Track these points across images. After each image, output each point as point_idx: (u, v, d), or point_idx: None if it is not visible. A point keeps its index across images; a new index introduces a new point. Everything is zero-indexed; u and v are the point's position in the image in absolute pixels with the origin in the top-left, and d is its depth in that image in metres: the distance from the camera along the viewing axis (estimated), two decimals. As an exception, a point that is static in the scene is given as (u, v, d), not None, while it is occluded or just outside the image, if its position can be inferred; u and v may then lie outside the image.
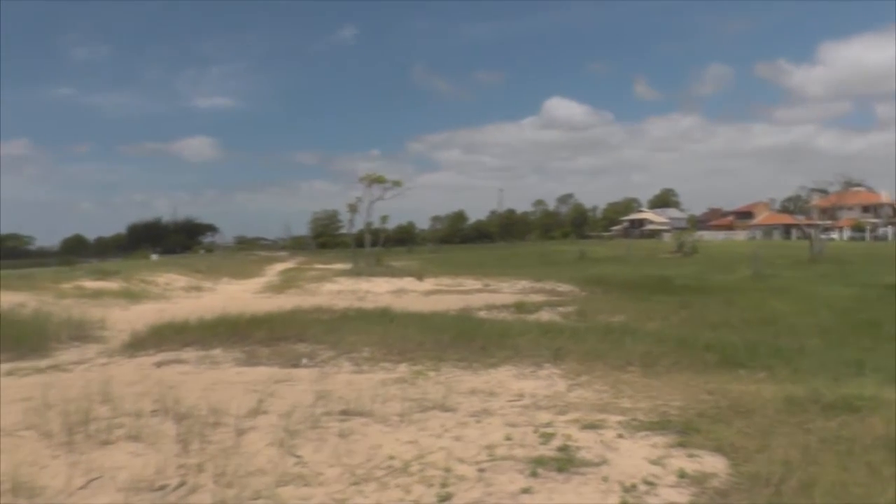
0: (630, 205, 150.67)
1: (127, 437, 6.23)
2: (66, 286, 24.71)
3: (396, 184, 45.24)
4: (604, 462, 5.36)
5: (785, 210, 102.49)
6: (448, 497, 4.75)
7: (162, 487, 5.01)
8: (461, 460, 5.45)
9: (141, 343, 12.07)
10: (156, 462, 5.46)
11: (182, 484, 5.08)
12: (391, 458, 5.55)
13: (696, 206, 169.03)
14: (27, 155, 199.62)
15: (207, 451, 5.81)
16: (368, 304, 18.71)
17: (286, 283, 32.39)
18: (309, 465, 5.43)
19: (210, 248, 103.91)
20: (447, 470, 5.22)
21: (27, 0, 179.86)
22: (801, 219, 77.01)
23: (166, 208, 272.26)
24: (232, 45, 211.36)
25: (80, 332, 14.10)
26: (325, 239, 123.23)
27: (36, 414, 7.08)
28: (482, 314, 16.24)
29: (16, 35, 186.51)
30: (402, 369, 9.36)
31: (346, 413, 6.93)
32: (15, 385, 9.27)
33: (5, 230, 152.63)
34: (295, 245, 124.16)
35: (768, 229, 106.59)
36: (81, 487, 5.07)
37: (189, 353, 10.94)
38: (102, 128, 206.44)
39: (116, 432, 6.36)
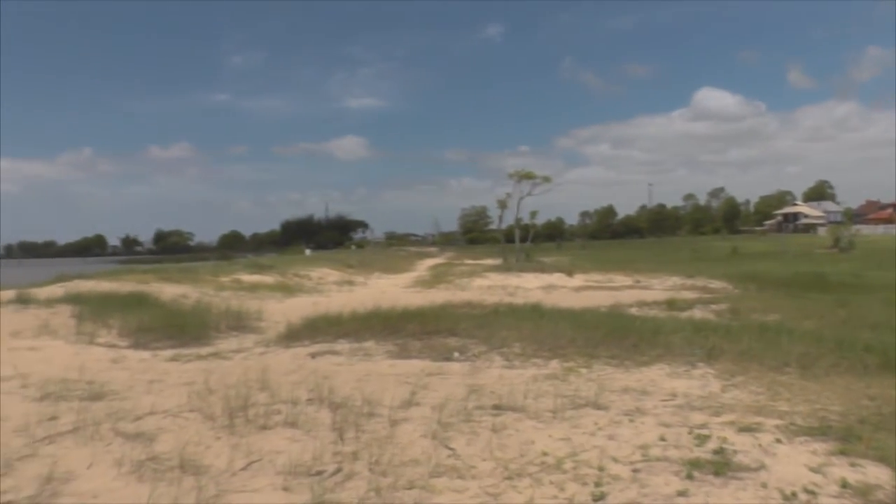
0: (783, 198, 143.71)
1: (284, 424, 6.48)
2: (225, 279, 26.15)
3: (546, 179, 45.15)
4: (762, 467, 5.10)
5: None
6: (602, 496, 4.64)
7: (319, 473, 5.16)
8: (615, 459, 5.33)
9: (296, 334, 12.57)
10: (312, 448, 5.64)
11: (338, 470, 5.21)
12: (544, 454, 5.49)
13: (852, 198, 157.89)
14: (188, 157, 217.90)
15: (362, 440, 5.95)
16: (518, 300, 18.66)
17: (436, 278, 32.89)
18: (462, 458, 5.44)
19: (361, 244, 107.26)
20: (601, 469, 5.12)
21: (187, 14, 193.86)
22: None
23: (319, 206, 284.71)
24: (380, 47, 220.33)
25: (239, 323, 14.88)
26: (473, 235, 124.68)
27: (199, 397, 7.54)
28: (633, 311, 15.89)
29: (177, 47, 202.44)
30: (554, 365, 9.29)
31: (498, 408, 6.93)
32: (178, 370, 9.89)
33: (168, 227, 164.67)
34: (444, 241, 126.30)
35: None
36: (242, 468, 5.30)
37: (342, 345, 11.27)
38: (257, 130, 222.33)
39: (274, 418, 6.64)
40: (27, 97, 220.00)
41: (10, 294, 16.16)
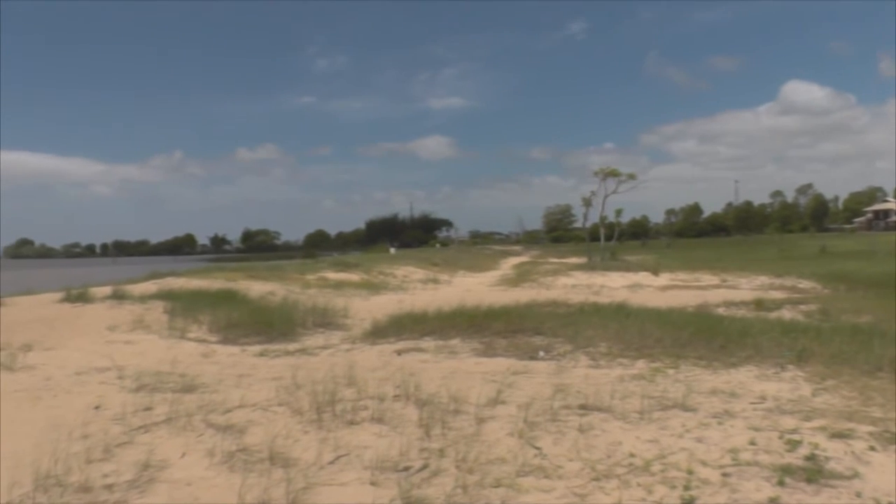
0: (874, 194, 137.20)
1: (371, 419, 6.58)
2: (311, 277, 26.67)
3: (631, 177, 44.53)
4: (856, 476, 4.92)
5: None
6: (692, 500, 4.55)
7: (406, 468, 5.22)
8: (704, 463, 5.21)
9: (382, 331, 12.74)
10: (399, 444, 5.70)
11: (424, 467, 5.26)
12: (632, 455, 5.42)
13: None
14: (274, 158, 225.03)
15: (448, 437, 5.99)
16: (604, 299, 18.45)
17: (521, 276, 32.82)
18: (549, 458, 5.42)
19: (445, 243, 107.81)
20: (689, 472, 5.01)
21: (273, 20, 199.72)
22: None
23: (403, 205, 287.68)
24: (463, 47, 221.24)
25: (325, 320, 15.16)
26: (558, 233, 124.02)
27: (287, 392, 7.72)
28: (721, 311, 15.53)
29: (264, 52, 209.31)
30: (640, 365, 9.17)
31: (584, 407, 6.87)
32: (266, 365, 10.15)
33: (255, 227, 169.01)
34: (528, 239, 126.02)
35: None
36: (330, 462, 5.41)
37: (428, 343, 11.36)
38: (342, 131, 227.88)
39: (361, 414, 6.74)
40: (121, 105, 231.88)
41: (106, 290, 16.85)
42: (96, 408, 7.38)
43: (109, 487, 4.96)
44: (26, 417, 7.16)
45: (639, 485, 4.82)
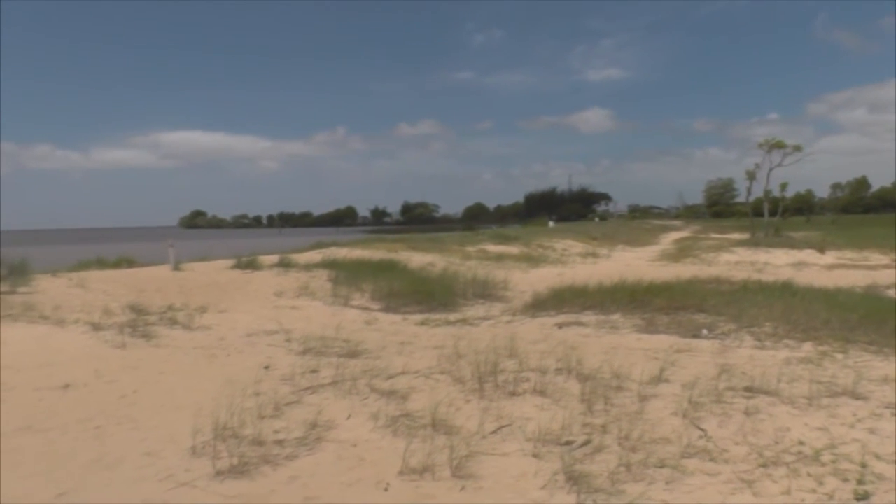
0: None
1: (533, 391, 6.59)
2: (471, 249, 26.95)
3: (797, 149, 41.94)
4: None
5: None
6: (866, 496, 4.28)
7: (568, 443, 5.19)
8: (878, 456, 4.89)
9: (542, 304, 12.72)
10: (561, 418, 5.67)
11: (587, 442, 5.21)
12: (800, 443, 5.18)
13: None
14: (435, 133, 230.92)
15: (611, 414, 5.92)
16: (767, 277, 17.70)
17: (681, 252, 31.94)
18: (714, 440, 5.26)
19: (603, 217, 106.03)
20: (863, 465, 4.72)
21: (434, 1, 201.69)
22: None
23: (562, 178, 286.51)
24: (621, 17, 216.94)
25: (485, 291, 15.30)
26: (719, 208, 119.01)
27: (449, 361, 7.86)
28: (891, 293, 14.48)
29: (423, 29, 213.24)
30: (807, 348, 8.75)
31: (750, 390, 6.62)
32: (427, 334, 10.37)
33: (414, 200, 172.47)
34: (688, 214, 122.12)
35: None
36: (492, 432, 5.46)
37: (588, 317, 11.25)
38: (501, 105, 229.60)
39: (523, 385, 6.77)
40: (287, 84, 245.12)
41: (273, 259, 17.70)
42: (266, 368, 7.80)
43: (280, 443, 5.23)
44: (204, 373, 7.68)
45: (808, 475, 4.60)
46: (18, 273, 12.14)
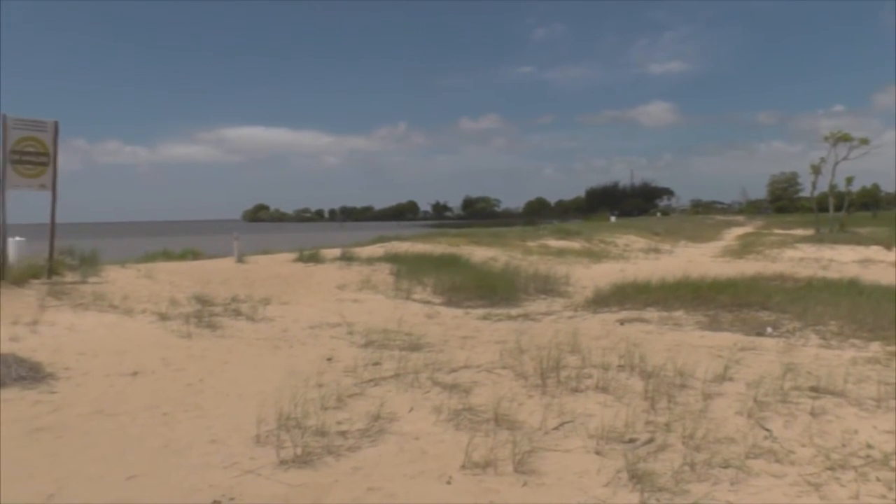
0: None
1: (596, 388, 6.54)
2: (532, 244, 26.85)
3: (863, 142, 40.56)
4: None
5: None
6: (941, 506, 4.14)
7: (631, 441, 5.14)
8: None
9: (604, 300, 12.64)
10: (624, 415, 5.62)
11: (650, 440, 5.15)
12: (869, 446, 5.04)
13: None
14: (496, 128, 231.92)
15: (675, 412, 5.84)
16: (833, 274, 17.35)
17: (745, 247, 31.32)
18: (779, 441, 5.15)
19: (666, 212, 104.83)
20: (940, 474, 4.56)
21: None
22: None
23: (623, 172, 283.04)
24: (683, 9, 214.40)
25: (546, 287, 15.26)
26: (783, 203, 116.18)
27: (511, 356, 7.86)
28: None
29: (484, 25, 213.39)
30: (875, 348, 8.53)
31: (815, 390, 6.47)
32: (489, 328, 10.38)
33: (475, 194, 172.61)
34: (751, 209, 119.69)
35: None
36: (555, 428, 5.44)
37: (651, 313, 11.14)
38: (562, 99, 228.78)
39: (586, 381, 6.73)
40: (350, 80, 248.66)
41: (335, 252, 17.88)
42: (329, 359, 7.91)
43: (343, 434, 5.29)
44: (268, 363, 7.81)
45: (878, 479, 4.47)
46: (89, 264, 12.54)
